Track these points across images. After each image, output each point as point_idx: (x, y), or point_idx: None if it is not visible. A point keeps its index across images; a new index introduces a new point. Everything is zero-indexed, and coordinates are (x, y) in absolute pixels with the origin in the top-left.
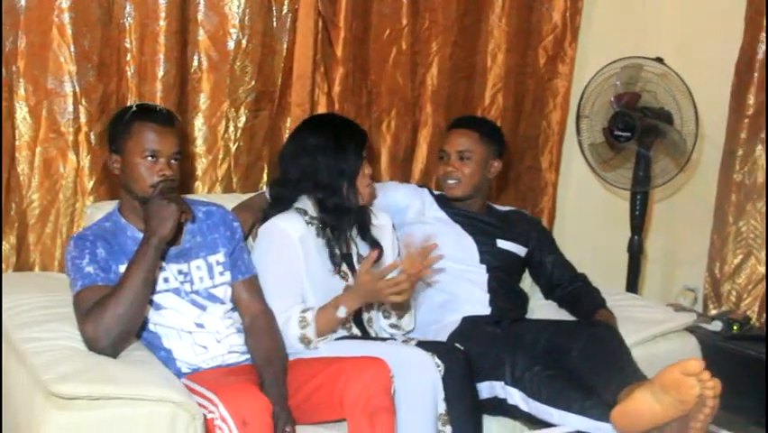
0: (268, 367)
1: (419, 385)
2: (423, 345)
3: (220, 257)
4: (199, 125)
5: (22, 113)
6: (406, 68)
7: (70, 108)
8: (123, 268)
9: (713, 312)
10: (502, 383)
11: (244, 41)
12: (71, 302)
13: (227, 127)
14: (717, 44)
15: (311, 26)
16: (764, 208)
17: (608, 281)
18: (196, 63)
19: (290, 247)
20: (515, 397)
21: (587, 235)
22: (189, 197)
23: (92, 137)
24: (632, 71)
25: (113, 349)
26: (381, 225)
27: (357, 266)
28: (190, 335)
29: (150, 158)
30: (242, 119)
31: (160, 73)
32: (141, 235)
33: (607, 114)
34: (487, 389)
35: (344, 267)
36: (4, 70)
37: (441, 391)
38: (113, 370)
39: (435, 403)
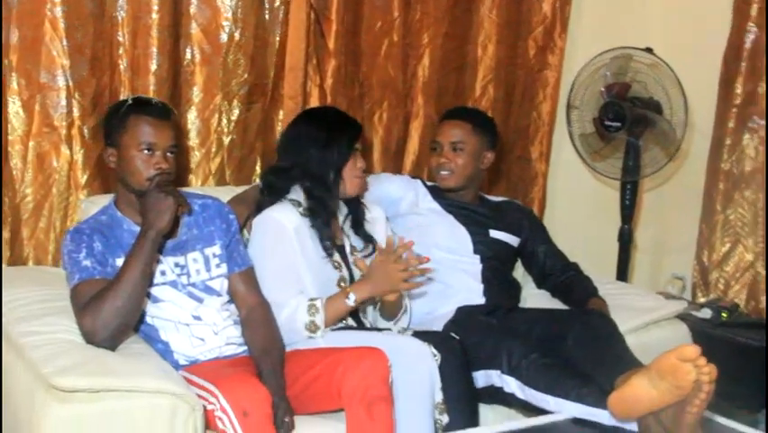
0: (265, 358)
1: (416, 375)
2: (419, 334)
3: (216, 249)
4: (192, 119)
5: (14, 107)
6: (397, 59)
7: (63, 102)
8: (119, 261)
9: (701, 300)
10: (498, 372)
11: (237, 34)
12: (68, 296)
13: (220, 120)
14: (705, 34)
15: (303, 19)
16: (752, 196)
17: (598, 271)
18: (188, 56)
19: (286, 238)
20: (511, 385)
21: (577, 225)
22: (185, 189)
23: (85, 131)
24: (622, 62)
25: (111, 342)
26: (374, 217)
27: (350, 258)
28: (187, 327)
29: (146, 151)
30: (235, 112)
31: (153, 66)
32: (137, 229)
33: (597, 104)
34: (483, 378)
35: (337, 256)
36: None
37: (438, 380)
38: (112, 362)
39: (432, 392)
